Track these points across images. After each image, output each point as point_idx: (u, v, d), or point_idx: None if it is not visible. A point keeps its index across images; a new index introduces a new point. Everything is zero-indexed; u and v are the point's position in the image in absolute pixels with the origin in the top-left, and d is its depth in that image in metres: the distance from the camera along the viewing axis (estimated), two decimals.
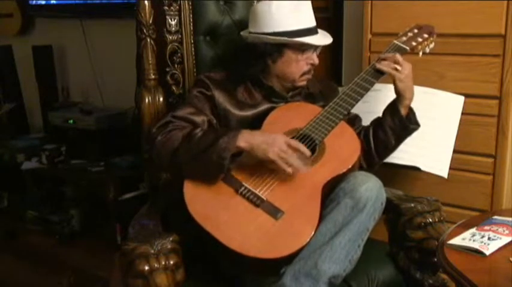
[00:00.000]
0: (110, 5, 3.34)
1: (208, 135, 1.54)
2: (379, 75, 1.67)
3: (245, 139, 1.51)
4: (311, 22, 1.67)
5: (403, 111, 1.68)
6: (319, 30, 1.71)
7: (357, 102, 1.64)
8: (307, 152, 1.52)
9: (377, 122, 1.73)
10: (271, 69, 1.70)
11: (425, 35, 1.75)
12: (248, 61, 1.73)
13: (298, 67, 1.67)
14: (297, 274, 1.41)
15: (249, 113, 1.69)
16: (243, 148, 1.50)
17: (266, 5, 1.66)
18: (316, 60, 1.69)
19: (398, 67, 1.64)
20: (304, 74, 1.69)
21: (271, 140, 1.50)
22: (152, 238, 1.45)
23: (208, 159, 1.49)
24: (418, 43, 1.74)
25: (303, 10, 1.66)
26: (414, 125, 1.71)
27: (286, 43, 1.64)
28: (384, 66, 1.65)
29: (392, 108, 1.69)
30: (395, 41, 1.73)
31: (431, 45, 1.77)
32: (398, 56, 1.65)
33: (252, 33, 1.69)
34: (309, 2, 1.69)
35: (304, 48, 1.65)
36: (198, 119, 1.63)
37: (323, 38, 1.70)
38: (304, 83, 1.72)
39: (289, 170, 1.49)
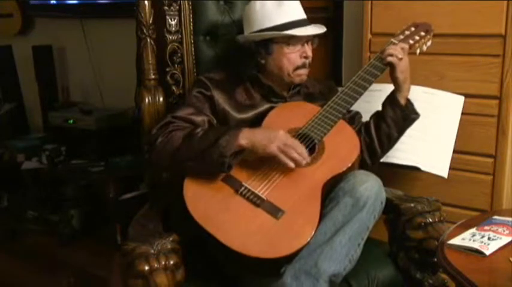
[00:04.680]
0: (110, 5, 3.35)
1: (209, 134, 1.54)
2: (377, 73, 1.66)
3: (246, 137, 1.51)
4: (298, 15, 1.67)
5: (403, 101, 1.68)
6: (313, 24, 1.69)
7: (355, 101, 1.64)
8: (304, 154, 1.52)
9: (378, 116, 1.73)
10: (266, 68, 1.70)
11: (422, 33, 1.75)
12: (243, 62, 1.73)
13: (289, 61, 1.66)
14: (297, 273, 1.41)
15: (248, 114, 1.69)
16: (244, 145, 1.51)
17: (251, 5, 1.68)
18: (309, 53, 1.68)
19: (400, 56, 1.64)
20: (298, 68, 1.68)
21: (272, 135, 1.51)
22: (152, 238, 1.45)
23: (210, 158, 1.49)
24: (415, 41, 1.73)
25: (287, 3, 1.66)
26: (414, 114, 1.71)
27: (271, 38, 1.64)
28: (389, 55, 1.65)
29: (392, 100, 1.70)
30: (393, 40, 1.73)
31: (429, 43, 1.77)
32: (401, 47, 1.66)
33: (241, 35, 1.70)
34: None
35: (290, 41, 1.65)
36: (198, 119, 1.63)
37: (310, 29, 1.67)
38: (300, 78, 1.70)
39: (291, 164, 1.50)
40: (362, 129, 1.74)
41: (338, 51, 2.59)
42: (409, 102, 1.71)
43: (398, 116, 1.69)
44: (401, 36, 1.74)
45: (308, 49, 1.68)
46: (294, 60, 1.67)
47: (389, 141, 1.73)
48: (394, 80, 1.67)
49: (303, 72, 1.70)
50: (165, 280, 1.41)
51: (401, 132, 1.72)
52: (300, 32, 1.64)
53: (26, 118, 3.95)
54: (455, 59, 1.95)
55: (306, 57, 1.68)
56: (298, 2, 1.69)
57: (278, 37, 1.64)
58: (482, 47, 1.89)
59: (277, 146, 1.49)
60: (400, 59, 1.64)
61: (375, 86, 1.69)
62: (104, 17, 3.39)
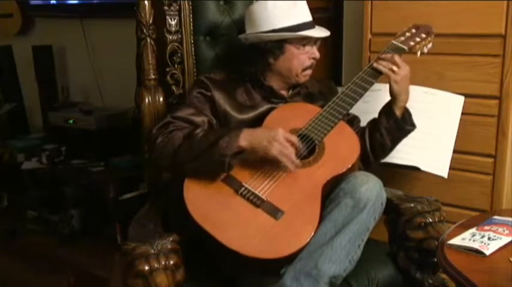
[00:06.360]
0: (110, 5, 3.34)
1: (210, 135, 1.54)
2: (377, 75, 1.67)
3: (246, 138, 1.51)
4: (307, 17, 1.69)
5: (398, 112, 1.68)
6: (316, 26, 1.71)
7: (356, 102, 1.64)
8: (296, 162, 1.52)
9: (373, 124, 1.73)
10: (273, 68, 1.70)
11: (423, 35, 1.75)
12: (248, 62, 1.73)
13: (300, 62, 1.68)
14: (298, 274, 1.41)
15: (249, 115, 1.69)
16: (244, 147, 1.51)
17: (261, 4, 1.67)
18: (317, 54, 1.70)
19: (394, 68, 1.64)
20: (306, 68, 1.70)
21: (272, 137, 1.50)
22: (152, 238, 1.45)
23: (210, 159, 1.49)
24: (416, 43, 1.73)
25: (299, 5, 1.67)
26: (410, 126, 1.71)
27: (286, 38, 1.65)
28: (381, 66, 1.66)
29: (387, 109, 1.70)
30: (394, 41, 1.73)
31: (430, 45, 1.77)
32: (396, 57, 1.65)
33: (251, 33, 1.69)
34: None
35: (304, 42, 1.66)
36: (198, 119, 1.63)
37: (321, 31, 1.70)
38: (306, 78, 1.72)
39: (291, 166, 1.50)
40: (359, 134, 1.73)
41: (338, 51, 2.59)
42: (406, 113, 1.70)
43: (392, 126, 1.68)
44: (402, 38, 1.74)
45: (316, 50, 1.70)
46: (304, 61, 1.68)
47: (383, 150, 1.73)
48: (389, 89, 1.66)
49: (309, 72, 1.72)
50: (165, 280, 1.41)
51: (394, 142, 1.72)
52: (315, 34, 1.66)
53: (26, 118, 3.94)
54: (455, 59, 1.95)
55: (314, 59, 1.70)
56: (306, 3, 1.70)
57: (293, 38, 1.65)
58: (482, 47, 1.89)
59: (277, 148, 1.49)
60: (391, 70, 1.64)
61: (374, 86, 1.69)
62: (104, 17, 3.39)
